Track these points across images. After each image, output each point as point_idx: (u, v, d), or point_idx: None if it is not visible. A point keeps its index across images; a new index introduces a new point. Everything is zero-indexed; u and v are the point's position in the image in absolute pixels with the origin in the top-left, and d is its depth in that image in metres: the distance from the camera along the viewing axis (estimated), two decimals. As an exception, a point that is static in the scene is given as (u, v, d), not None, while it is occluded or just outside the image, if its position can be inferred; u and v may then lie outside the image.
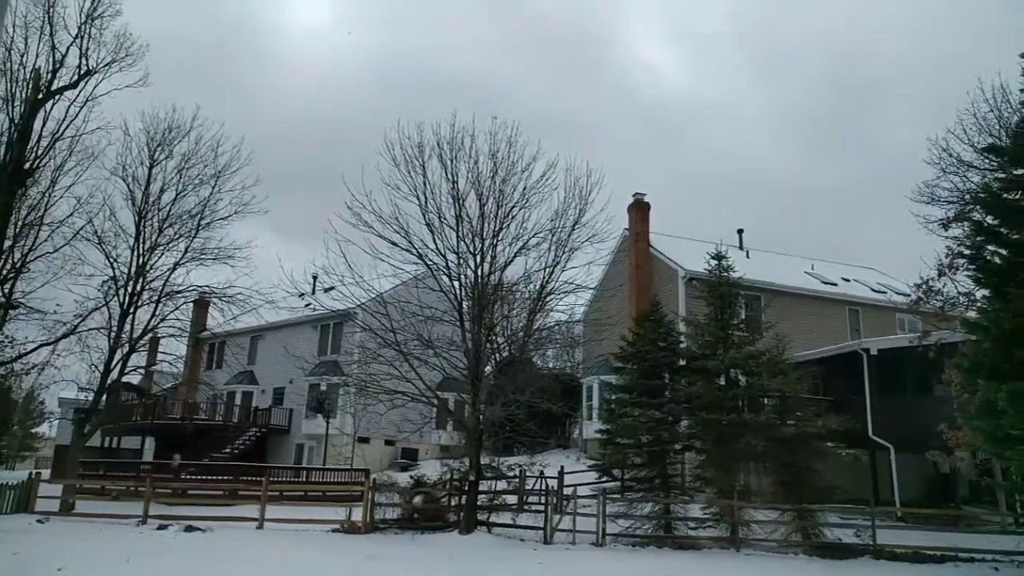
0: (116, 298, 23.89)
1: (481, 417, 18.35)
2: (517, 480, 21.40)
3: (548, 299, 19.69)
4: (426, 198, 18.67)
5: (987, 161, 18.79)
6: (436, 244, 18.86)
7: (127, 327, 23.99)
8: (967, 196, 19.52)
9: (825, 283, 31.97)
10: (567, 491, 19.42)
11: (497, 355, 20.83)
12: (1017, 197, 13.27)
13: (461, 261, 18.87)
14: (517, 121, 19.59)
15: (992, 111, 19.62)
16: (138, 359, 25.85)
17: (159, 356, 27.65)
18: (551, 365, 33.03)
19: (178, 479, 26.84)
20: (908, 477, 21.30)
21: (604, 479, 22.62)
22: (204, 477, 27.75)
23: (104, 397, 24.19)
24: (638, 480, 19.04)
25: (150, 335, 25.49)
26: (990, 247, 13.61)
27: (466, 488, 18.39)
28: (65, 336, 23.07)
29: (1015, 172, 13.56)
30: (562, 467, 23.67)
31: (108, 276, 23.90)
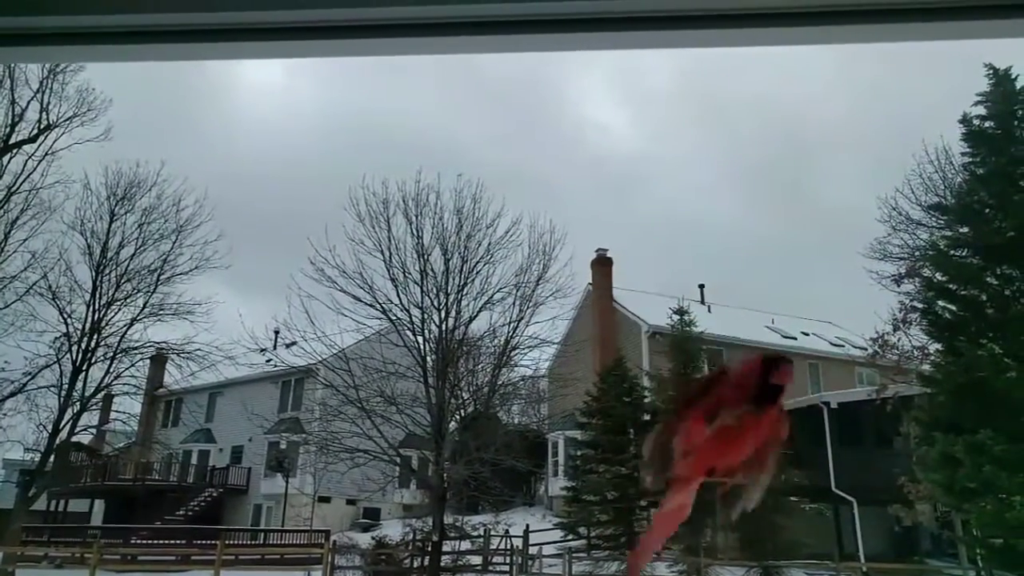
0: (68, 355, 23.17)
1: (445, 475, 18.05)
2: (481, 540, 20.96)
3: (513, 354, 19.71)
4: (391, 253, 18.78)
5: (934, 219, 19.52)
6: (400, 299, 18.88)
7: (79, 385, 23.23)
8: (917, 253, 20.19)
9: (785, 337, 32.49)
10: (532, 551, 19.07)
11: (461, 411, 20.62)
12: (963, 254, 13.80)
13: (425, 316, 18.88)
14: (481, 179, 19.86)
15: (937, 172, 20.47)
16: (89, 418, 24.95)
17: (112, 415, 26.74)
18: (516, 420, 32.74)
19: (127, 544, 25.74)
20: (871, 531, 21.37)
21: (570, 537, 22.26)
22: (156, 541, 26.65)
23: (52, 458, 23.24)
24: (604, 538, 18.81)
25: (103, 393, 24.70)
26: (940, 302, 14.07)
27: (429, 549, 17.96)
28: (12, 395, 22.21)
29: (960, 230, 14.13)
30: (527, 526, 23.23)
31: (61, 332, 23.22)
